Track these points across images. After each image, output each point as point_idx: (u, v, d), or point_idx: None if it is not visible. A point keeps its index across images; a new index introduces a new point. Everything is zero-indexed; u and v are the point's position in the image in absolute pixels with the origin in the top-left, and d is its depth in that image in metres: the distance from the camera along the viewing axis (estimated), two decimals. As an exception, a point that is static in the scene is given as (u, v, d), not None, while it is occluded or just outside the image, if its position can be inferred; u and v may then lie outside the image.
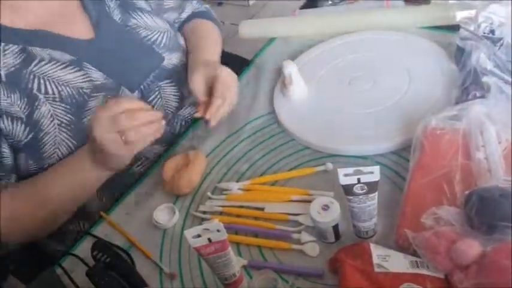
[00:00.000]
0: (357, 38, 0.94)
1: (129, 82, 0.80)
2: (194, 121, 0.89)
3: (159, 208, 0.74)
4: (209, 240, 0.52)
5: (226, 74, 0.78)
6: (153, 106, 0.82)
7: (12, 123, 0.71)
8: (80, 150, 0.72)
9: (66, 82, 0.74)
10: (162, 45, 0.85)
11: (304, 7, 1.11)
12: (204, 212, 0.72)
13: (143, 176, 0.83)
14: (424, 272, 0.53)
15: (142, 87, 0.82)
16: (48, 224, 0.76)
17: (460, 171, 0.61)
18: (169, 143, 0.87)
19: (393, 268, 0.54)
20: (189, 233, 0.52)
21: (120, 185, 0.81)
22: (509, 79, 0.68)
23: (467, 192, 0.56)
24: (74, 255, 0.71)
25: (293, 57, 0.94)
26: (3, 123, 0.71)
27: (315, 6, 1.09)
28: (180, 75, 0.87)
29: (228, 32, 1.00)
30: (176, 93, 0.87)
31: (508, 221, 0.51)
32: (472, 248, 0.50)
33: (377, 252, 0.56)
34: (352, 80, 0.85)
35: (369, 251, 0.56)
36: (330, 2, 1.08)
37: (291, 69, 0.83)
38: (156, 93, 0.84)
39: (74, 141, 0.74)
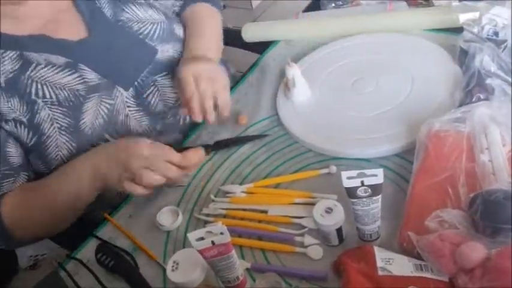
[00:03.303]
0: (359, 41, 0.94)
1: (123, 80, 0.80)
2: None
3: (163, 211, 0.74)
4: (212, 242, 0.52)
5: (210, 68, 0.78)
6: (148, 102, 0.83)
7: (16, 127, 0.73)
8: (79, 161, 0.72)
9: (62, 85, 0.75)
10: (155, 37, 0.83)
11: (307, 10, 1.11)
12: (208, 215, 0.72)
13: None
14: (428, 275, 0.53)
15: (136, 83, 0.82)
16: (53, 227, 0.77)
17: (464, 174, 0.60)
18: (184, 133, 0.89)
19: (397, 271, 0.54)
20: (192, 236, 0.52)
21: None
22: (513, 81, 0.68)
23: (471, 195, 0.56)
24: (76, 259, 0.71)
25: (296, 59, 0.94)
26: (8, 126, 0.72)
27: (318, 9, 1.09)
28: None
29: (230, 34, 1.01)
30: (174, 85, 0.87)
31: (512, 224, 0.50)
32: (476, 251, 0.50)
33: (381, 255, 0.56)
34: (355, 83, 0.85)
35: (372, 254, 0.56)
36: (333, 5, 1.08)
37: (294, 71, 0.83)
38: (152, 87, 0.83)
39: (73, 144, 0.76)
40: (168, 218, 0.73)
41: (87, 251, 0.73)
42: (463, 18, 0.83)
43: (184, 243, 0.70)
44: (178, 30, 0.89)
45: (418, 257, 0.55)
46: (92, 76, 0.77)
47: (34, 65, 0.73)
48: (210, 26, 0.93)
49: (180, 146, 0.87)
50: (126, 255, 0.70)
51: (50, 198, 0.73)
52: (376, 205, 0.56)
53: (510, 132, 0.62)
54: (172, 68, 0.85)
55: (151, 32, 0.83)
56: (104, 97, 0.77)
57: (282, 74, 0.90)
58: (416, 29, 0.92)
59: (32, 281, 0.73)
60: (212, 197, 0.75)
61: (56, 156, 0.76)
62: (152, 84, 0.83)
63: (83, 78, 0.76)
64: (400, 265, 0.54)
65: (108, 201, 0.87)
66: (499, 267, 0.48)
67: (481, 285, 0.49)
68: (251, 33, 1.04)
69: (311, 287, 0.60)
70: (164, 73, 0.85)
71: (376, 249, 0.57)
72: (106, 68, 0.78)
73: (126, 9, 0.82)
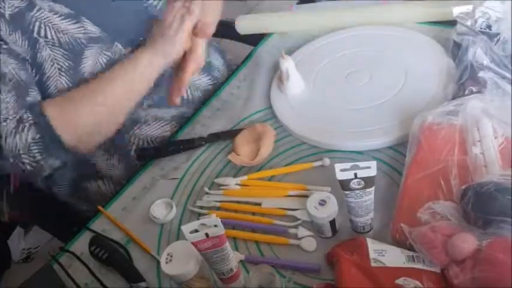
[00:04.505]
0: (353, 33, 0.94)
1: (122, 38, 0.82)
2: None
3: (156, 203, 0.74)
4: (206, 235, 0.52)
5: None
6: None
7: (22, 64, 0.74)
8: (136, 52, 0.77)
9: (64, 31, 0.77)
10: (157, 8, 0.88)
11: (301, 2, 1.11)
12: (201, 207, 0.73)
13: (139, 170, 0.83)
14: (420, 266, 0.54)
15: (135, 44, 0.83)
16: (106, 124, 0.78)
17: (456, 166, 0.61)
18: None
19: (389, 262, 0.54)
20: (186, 228, 0.52)
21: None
22: (506, 74, 0.69)
23: (463, 187, 0.56)
24: (70, 252, 0.71)
25: (290, 52, 0.94)
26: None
27: (312, 1, 1.08)
28: None
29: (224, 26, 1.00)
30: None
31: (503, 215, 0.51)
32: (467, 242, 0.51)
33: (373, 247, 0.56)
34: (349, 75, 0.85)
35: (365, 245, 0.56)
36: (327, -3, 1.08)
37: (287, 64, 0.83)
38: None
39: (72, 87, 0.77)
40: (161, 210, 0.73)
41: (81, 243, 0.72)
42: (457, 11, 0.83)
43: (178, 236, 0.70)
44: None
45: (410, 248, 0.55)
46: (93, 29, 0.79)
47: (38, 7, 0.75)
48: None
49: (175, 137, 0.87)
50: (119, 248, 0.70)
51: (101, 90, 0.74)
52: (369, 197, 0.56)
53: (502, 125, 0.63)
54: None
55: (154, 3, 0.87)
56: (104, 49, 0.80)
57: (276, 67, 0.89)
58: (410, 22, 0.92)
59: (25, 274, 0.73)
60: (206, 189, 0.75)
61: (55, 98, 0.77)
62: None
63: (85, 29, 0.79)
64: (392, 256, 0.55)
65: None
66: (490, 259, 0.49)
67: (472, 276, 0.49)
68: (245, 25, 1.03)
69: (304, 278, 0.60)
70: None
71: (369, 240, 0.57)
72: (107, 25, 0.81)
73: None
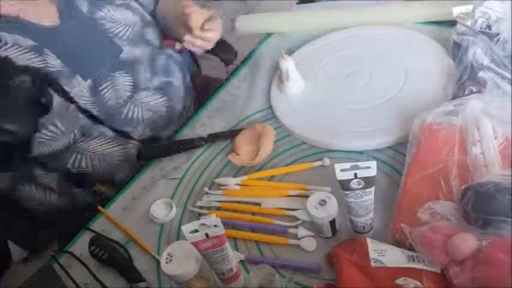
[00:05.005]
0: (353, 33, 0.94)
1: (83, 70, 0.82)
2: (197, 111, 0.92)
3: (156, 203, 0.74)
4: (206, 235, 0.52)
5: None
6: (102, 95, 0.85)
7: None
8: None
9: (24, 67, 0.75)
10: (124, 37, 0.88)
11: (301, 2, 1.11)
12: (201, 207, 0.73)
13: (140, 170, 0.83)
14: (420, 266, 0.54)
15: (96, 75, 0.83)
16: None
17: (456, 166, 0.61)
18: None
19: (389, 262, 0.54)
20: (186, 228, 0.52)
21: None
22: (506, 74, 0.69)
23: (463, 187, 0.56)
24: (69, 252, 0.71)
25: (290, 52, 0.94)
26: None
27: (312, 1, 1.09)
28: (137, 67, 0.90)
29: (224, 27, 1.00)
30: (129, 83, 0.88)
31: (503, 215, 0.51)
32: (467, 242, 0.51)
33: (373, 247, 0.56)
34: (349, 75, 0.85)
35: (365, 245, 0.56)
36: (327, -3, 1.08)
37: (287, 64, 0.83)
38: (108, 82, 0.85)
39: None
40: (162, 210, 0.73)
41: (81, 244, 0.72)
42: (457, 11, 0.83)
43: (178, 236, 0.70)
44: (151, 35, 0.94)
45: (410, 248, 0.55)
46: (54, 62, 0.78)
47: (2, 43, 0.74)
48: None
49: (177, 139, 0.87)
50: (119, 248, 0.70)
51: None
52: (369, 197, 0.56)
53: (502, 125, 0.63)
54: (132, 69, 0.89)
55: (122, 33, 0.88)
56: (64, 83, 0.79)
57: (276, 67, 0.89)
58: (410, 22, 0.92)
59: (25, 275, 0.73)
60: (206, 189, 0.75)
61: None
62: (110, 79, 0.85)
63: (45, 63, 0.78)
64: (392, 256, 0.55)
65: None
66: (489, 259, 0.49)
67: (472, 276, 0.49)
68: (245, 25, 1.03)
69: (304, 278, 0.60)
70: (123, 71, 0.87)
71: (369, 240, 0.57)
72: (70, 57, 0.80)
73: (102, 9, 0.87)
